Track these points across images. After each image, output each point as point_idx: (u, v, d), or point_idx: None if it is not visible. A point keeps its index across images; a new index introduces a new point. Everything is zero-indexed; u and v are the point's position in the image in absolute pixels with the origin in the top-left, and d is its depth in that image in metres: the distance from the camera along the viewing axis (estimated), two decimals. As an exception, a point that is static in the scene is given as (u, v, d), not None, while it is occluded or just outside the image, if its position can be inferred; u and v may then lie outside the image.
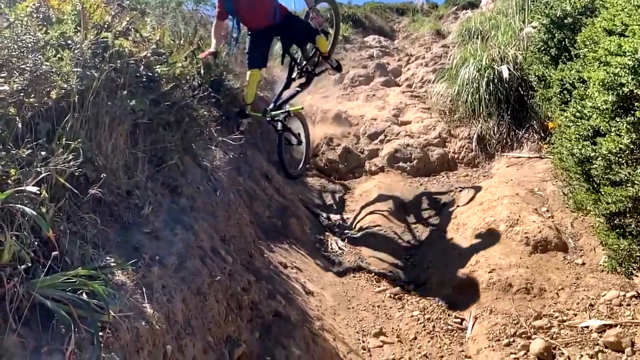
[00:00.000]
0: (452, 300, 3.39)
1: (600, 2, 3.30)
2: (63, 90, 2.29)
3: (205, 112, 3.62)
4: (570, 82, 3.75)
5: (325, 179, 5.79)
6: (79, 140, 2.23)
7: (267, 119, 5.02)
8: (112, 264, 1.99)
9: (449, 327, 3.15)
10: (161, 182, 2.85)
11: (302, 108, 5.69)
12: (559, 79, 3.96)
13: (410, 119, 6.53)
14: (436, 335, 3.08)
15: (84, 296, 1.64)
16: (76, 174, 1.97)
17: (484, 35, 7.85)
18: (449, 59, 7.43)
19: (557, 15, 4.15)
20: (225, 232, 3.18)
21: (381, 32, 12.63)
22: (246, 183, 4.60)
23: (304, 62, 5.26)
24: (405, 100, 6.98)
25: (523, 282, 3.23)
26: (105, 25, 2.92)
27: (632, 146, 2.10)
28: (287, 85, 5.19)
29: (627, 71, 2.02)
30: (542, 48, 4.39)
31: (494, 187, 4.53)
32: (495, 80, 5.90)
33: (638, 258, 2.46)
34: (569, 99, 3.78)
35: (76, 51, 2.47)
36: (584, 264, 3.39)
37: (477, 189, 4.61)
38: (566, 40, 4.11)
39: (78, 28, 2.64)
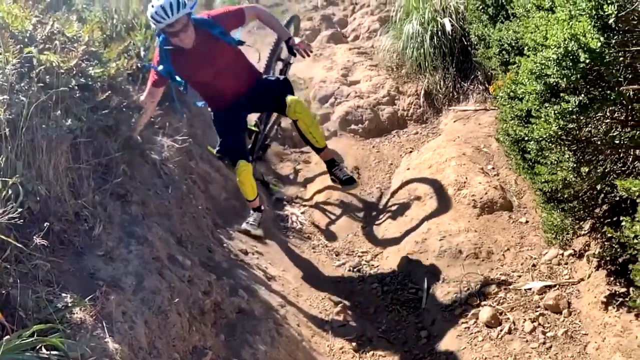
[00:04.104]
0: (407, 270, 3.57)
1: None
2: (-8, 122, 2.21)
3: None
4: (508, 42, 3.82)
5: (279, 149, 5.80)
6: (17, 175, 2.19)
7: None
8: (69, 304, 2.01)
9: (406, 298, 3.34)
10: (110, 192, 2.82)
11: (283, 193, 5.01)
12: (497, 39, 4.00)
13: (359, 78, 6.51)
14: (394, 309, 3.27)
15: (44, 351, 1.68)
16: (19, 221, 1.95)
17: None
18: (394, 5, 7.35)
19: (492, -27, 4.15)
20: (182, 232, 3.21)
21: (324, -24, 12.28)
22: (199, 167, 4.56)
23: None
24: (352, 58, 6.92)
25: (472, 247, 3.42)
26: (28, 35, 2.77)
27: (560, 132, 2.20)
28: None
29: (552, 62, 2.10)
30: (480, 7, 4.40)
31: (442, 147, 4.65)
32: (439, 33, 5.90)
33: (571, 230, 2.64)
34: (507, 59, 3.86)
35: (0, 77, 2.37)
36: (527, 222, 3.60)
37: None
38: (502, -2, 4.13)
39: (-3, 46, 2.51)
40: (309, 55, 3.48)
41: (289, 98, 3.48)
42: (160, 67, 3.39)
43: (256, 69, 3.82)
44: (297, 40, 3.45)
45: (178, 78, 3.49)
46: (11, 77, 2.37)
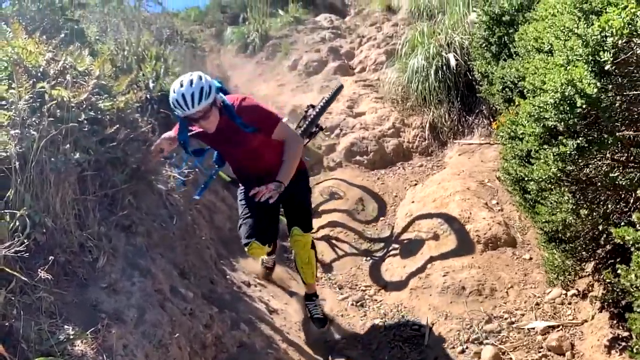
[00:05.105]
0: (411, 305, 3.54)
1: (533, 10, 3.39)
2: (3, 154, 2.27)
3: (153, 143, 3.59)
4: (511, 80, 3.87)
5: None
6: (25, 207, 2.23)
7: None
8: (71, 336, 2.03)
9: (408, 334, 3.31)
10: (115, 223, 2.86)
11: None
12: (500, 76, 4.07)
13: (364, 109, 6.60)
14: (396, 345, 3.24)
15: (44, 386, 1.69)
16: (25, 254, 1.98)
17: (432, 13, 7.93)
18: (400, 39, 7.48)
19: (496, 12, 4.24)
20: (185, 264, 3.22)
21: (332, 8, 12.54)
22: (204, 197, 4.60)
23: None
24: (358, 90, 7.03)
25: (475, 283, 3.41)
26: (41, 71, 2.86)
27: (559, 174, 2.22)
28: None
29: (550, 106, 2.13)
30: (484, 44, 4.48)
31: (446, 180, 4.68)
32: (444, 67, 6.00)
33: (572, 272, 2.63)
34: (510, 97, 3.91)
35: (12, 112, 2.43)
36: (531, 258, 3.59)
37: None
38: (505, 37, 4.20)
39: (12, 82, 2.58)
40: (255, 199, 2.75)
41: (296, 232, 3.25)
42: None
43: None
44: (273, 185, 2.77)
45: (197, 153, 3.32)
46: (23, 112, 2.43)
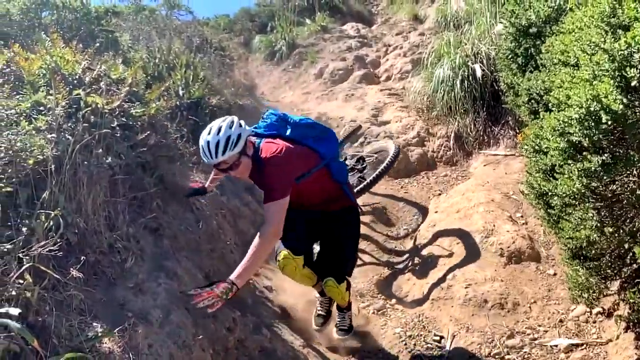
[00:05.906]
0: (432, 316, 3.54)
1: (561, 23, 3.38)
2: (40, 157, 2.37)
3: (182, 149, 3.69)
4: (537, 92, 3.85)
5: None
6: (59, 208, 2.32)
7: None
8: (99, 333, 2.10)
9: (429, 345, 3.31)
10: (143, 225, 2.94)
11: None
12: (526, 88, 4.04)
13: (389, 118, 6.62)
14: (417, 356, 3.24)
15: (73, 381, 1.76)
16: (58, 253, 2.07)
17: (458, 23, 7.93)
18: (426, 48, 7.49)
19: (522, 24, 4.22)
20: (210, 267, 3.30)
21: (359, 16, 12.63)
22: (230, 202, 4.68)
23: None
24: (383, 99, 7.06)
25: (497, 297, 3.38)
26: (77, 78, 2.98)
27: (583, 190, 2.21)
28: None
29: (575, 122, 2.13)
30: (510, 56, 4.47)
31: (471, 191, 4.66)
32: (470, 77, 5.98)
33: (597, 290, 2.59)
34: (536, 109, 3.89)
35: (50, 117, 2.54)
36: (555, 274, 3.55)
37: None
38: (532, 48, 4.19)
39: (50, 89, 2.70)
40: (192, 302, 2.46)
41: (330, 282, 3.05)
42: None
43: (347, 196, 3.09)
44: (220, 289, 2.47)
45: None
46: (60, 118, 2.54)
